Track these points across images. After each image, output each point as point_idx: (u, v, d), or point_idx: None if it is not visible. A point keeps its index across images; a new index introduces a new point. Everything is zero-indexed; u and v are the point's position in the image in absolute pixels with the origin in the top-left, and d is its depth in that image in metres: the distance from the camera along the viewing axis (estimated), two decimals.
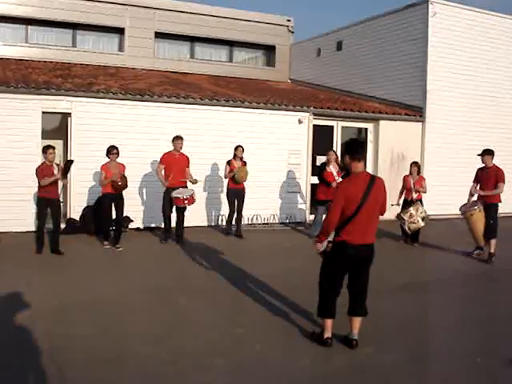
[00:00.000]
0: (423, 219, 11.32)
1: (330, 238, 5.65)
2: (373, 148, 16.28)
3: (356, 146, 5.74)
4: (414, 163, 12.25)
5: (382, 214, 5.80)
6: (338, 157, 12.61)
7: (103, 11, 18.97)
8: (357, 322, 5.76)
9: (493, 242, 10.43)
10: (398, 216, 11.40)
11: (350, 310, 5.79)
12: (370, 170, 16.06)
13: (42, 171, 9.79)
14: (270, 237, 12.87)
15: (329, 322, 5.74)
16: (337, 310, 5.79)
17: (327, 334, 5.75)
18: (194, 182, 11.30)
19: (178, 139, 11.30)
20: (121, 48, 19.66)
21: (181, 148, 11.30)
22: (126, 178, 10.64)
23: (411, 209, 11.31)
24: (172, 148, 11.32)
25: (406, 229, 11.36)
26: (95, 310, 6.85)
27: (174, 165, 11.13)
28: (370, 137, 16.32)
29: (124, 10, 19.28)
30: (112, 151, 10.66)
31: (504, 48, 17.30)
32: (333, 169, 12.04)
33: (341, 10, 60.08)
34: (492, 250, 10.42)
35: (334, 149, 14.83)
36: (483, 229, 10.30)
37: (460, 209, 10.60)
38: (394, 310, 7.21)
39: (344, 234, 5.54)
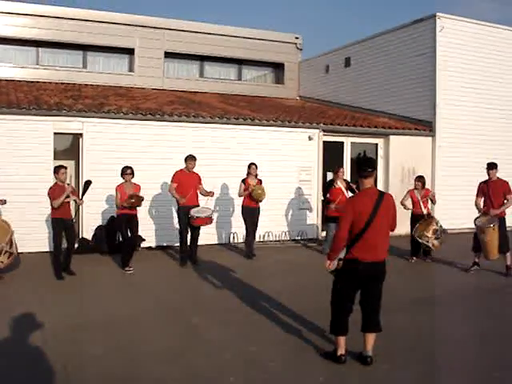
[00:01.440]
0: (443, 233, 11.29)
1: (341, 256, 5.64)
2: (383, 163, 16.28)
3: (363, 163, 5.77)
4: (419, 177, 12.16)
5: (393, 230, 5.82)
6: (344, 173, 12.63)
7: (113, 32, 19.19)
8: (371, 338, 5.72)
9: (508, 254, 10.45)
10: (420, 235, 11.24)
11: (363, 326, 5.76)
12: (380, 185, 16.08)
13: (54, 192, 9.78)
14: (281, 254, 12.86)
15: (342, 339, 5.72)
16: (350, 328, 5.76)
17: (341, 351, 5.72)
18: (211, 194, 11.21)
19: (191, 159, 11.20)
20: (131, 68, 19.85)
21: (192, 168, 11.22)
22: (141, 197, 10.57)
23: (433, 224, 11.24)
24: (184, 166, 11.28)
25: (431, 245, 11.24)
26: (108, 330, 6.86)
27: (185, 183, 11.07)
28: (381, 152, 16.34)
29: (133, 31, 19.48)
30: (126, 172, 10.64)
31: None
32: (341, 184, 12.02)
33: (348, 27, 60.41)
34: (509, 263, 10.44)
35: (344, 164, 14.86)
36: (498, 243, 10.25)
37: (475, 222, 10.50)
38: (409, 326, 7.17)
39: (354, 251, 5.54)
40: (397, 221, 5.80)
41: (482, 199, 10.69)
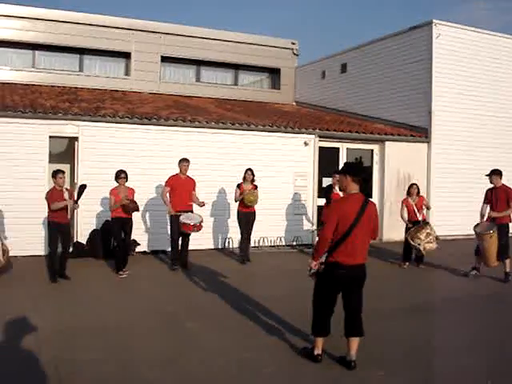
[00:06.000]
0: (436, 239, 11.28)
1: (322, 260, 5.73)
2: (379, 169, 16.31)
3: (358, 168, 5.91)
4: (413, 185, 12.18)
5: (374, 238, 5.97)
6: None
7: (110, 36, 19.19)
8: (354, 343, 5.75)
9: (507, 261, 10.50)
10: (413, 237, 11.24)
11: (346, 331, 5.81)
12: (376, 191, 16.13)
13: (52, 196, 9.78)
14: (276, 259, 12.85)
15: (320, 340, 5.84)
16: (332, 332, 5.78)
17: (317, 351, 5.84)
18: (202, 204, 11.16)
19: (183, 161, 11.22)
20: (127, 72, 19.84)
21: (186, 171, 11.21)
22: (134, 202, 10.56)
23: (427, 228, 11.25)
24: (178, 171, 11.29)
25: (422, 249, 11.20)
26: (102, 335, 6.82)
27: (179, 188, 11.04)
28: (376, 158, 16.37)
29: (130, 35, 19.48)
30: (120, 175, 10.61)
31: (508, 68, 17.37)
32: (338, 190, 12.00)
33: (345, 33, 60.55)
34: (508, 270, 10.48)
35: None
36: (496, 250, 10.26)
37: (475, 229, 10.50)
38: (404, 332, 7.16)
39: (336, 254, 5.62)
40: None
41: (488, 206, 10.71)
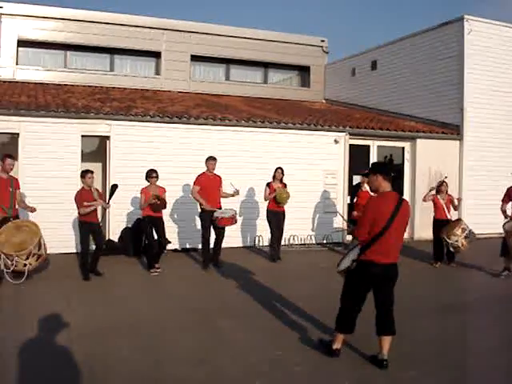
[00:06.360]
0: (471, 233, 11.18)
1: (354, 257, 5.74)
2: (410, 167, 16.17)
3: (387, 167, 5.88)
4: (443, 182, 12.05)
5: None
6: None
7: (140, 36, 19.36)
8: (386, 341, 5.73)
9: None
10: (449, 234, 11.10)
11: (378, 329, 5.78)
12: (407, 188, 16.00)
13: (80, 197, 9.87)
14: (306, 258, 12.83)
15: (341, 336, 5.86)
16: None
17: (337, 346, 5.87)
18: (236, 193, 11.20)
19: (210, 159, 11.21)
20: (157, 71, 19.99)
21: (213, 169, 11.21)
22: (163, 199, 10.64)
23: (461, 224, 11.14)
24: (205, 169, 11.30)
25: (460, 245, 11.04)
26: (134, 331, 6.90)
27: (208, 186, 11.07)
28: (407, 156, 16.22)
29: (160, 34, 19.62)
30: (151, 175, 10.69)
31: None
32: (367, 188, 11.89)
33: (375, 30, 60.12)
34: None
35: None
36: None
37: (504, 226, 10.37)
38: (436, 332, 7.09)
39: (369, 252, 5.60)
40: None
41: (510, 204, 10.59)
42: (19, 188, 9.83)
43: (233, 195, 11.24)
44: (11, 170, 9.63)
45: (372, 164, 6.39)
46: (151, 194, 10.47)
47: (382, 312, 5.77)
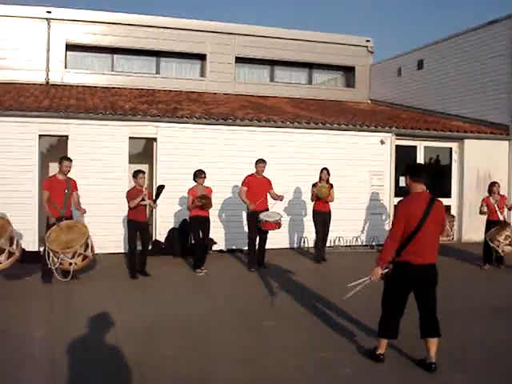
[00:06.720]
0: None
1: (390, 259, 5.74)
2: (457, 168, 15.88)
3: (416, 168, 5.92)
4: (495, 183, 11.82)
5: (441, 234, 5.96)
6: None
7: (185, 38, 19.53)
8: (433, 344, 5.64)
9: None
10: (492, 238, 11.04)
11: (422, 332, 5.73)
12: (454, 190, 15.74)
13: (131, 195, 10.16)
14: (352, 259, 12.72)
15: (385, 341, 5.82)
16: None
17: (380, 351, 5.82)
18: (282, 198, 11.16)
19: (260, 162, 11.28)
20: (202, 73, 20.14)
21: (262, 171, 11.27)
22: (208, 198, 10.71)
23: (507, 230, 10.96)
24: (254, 170, 11.36)
25: (500, 251, 10.99)
26: (180, 330, 6.96)
27: (256, 188, 11.11)
28: (455, 156, 15.95)
29: (205, 37, 19.76)
30: (200, 175, 10.81)
31: None
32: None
33: (420, 30, 59.34)
34: None
35: None
36: None
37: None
38: (486, 336, 6.93)
39: (405, 253, 5.59)
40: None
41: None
42: (76, 189, 10.04)
43: (277, 198, 11.20)
44: (68, 171, 9.87)
45: (405, 166, 6.37)
46: (197, 194, 10.58)
47: (424, 314, 5.72)
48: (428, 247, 5.59)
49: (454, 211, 15.40)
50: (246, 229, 11.74)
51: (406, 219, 5.52)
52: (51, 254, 9.21)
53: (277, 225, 10.82)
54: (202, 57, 20.06)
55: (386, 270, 5.77)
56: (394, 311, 5.78)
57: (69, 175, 9.93)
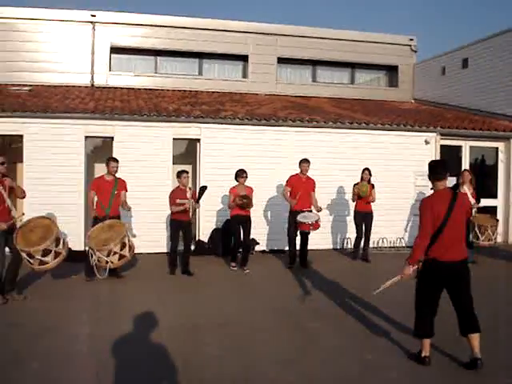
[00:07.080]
0: None
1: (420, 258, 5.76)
2: (504, 168, 15.57)
3: (435, 167, 5.93)
4: None
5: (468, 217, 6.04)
6: (472, 177, 11.99)
7: (227, 40, 19.59)
8: (475, 340, 5.61)
9: None
10: None
11: (461, 330, 5.72)
12: (501, 190, 15.46)
13: (174, 195, 10.32)
14: (396, 260, 12.54)
15: (426, 341, 5.80)
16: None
17: (425, 353, 5.78)
18: (319, 209, 11.10)
19: (304, 162, 11.30)
20: (245, 74, 20.19)
21: (307, 171, 11.28)
22: (249, 198, 10.77)
23: None
24: (298, 171, 11.35)
25: None
26: (225, 330, 7.00)
27: (299, 188, 11.13)
28: (501, 156, 15.64)
29: (247, 38, 19.79)
30: (242, 175, 10.91)
31: None
32: (467, 189, 11.46)
33: (465, 28, 58.35)
34: None
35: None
36: None
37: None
38: None
39: (433, 251, 5.63)
40: None
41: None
42: (125, 189, 10.22)
43: (317, 209, 11.13)
44: (115, 172, 10.08)
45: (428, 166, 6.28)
46: (239, 194, 10.65)
47: (461, 312, 5.72)
48: (455, 242, 5.62)
49: (500, 212, 15.14)
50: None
51: (432, 217, 5.58)
52: (91, 251, 9.39)
53: (313, 226, 10.75)
54: (244, 58, 20.10)
55: (416, 267, 5.82)
56: (426, 310, 5.81)
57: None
